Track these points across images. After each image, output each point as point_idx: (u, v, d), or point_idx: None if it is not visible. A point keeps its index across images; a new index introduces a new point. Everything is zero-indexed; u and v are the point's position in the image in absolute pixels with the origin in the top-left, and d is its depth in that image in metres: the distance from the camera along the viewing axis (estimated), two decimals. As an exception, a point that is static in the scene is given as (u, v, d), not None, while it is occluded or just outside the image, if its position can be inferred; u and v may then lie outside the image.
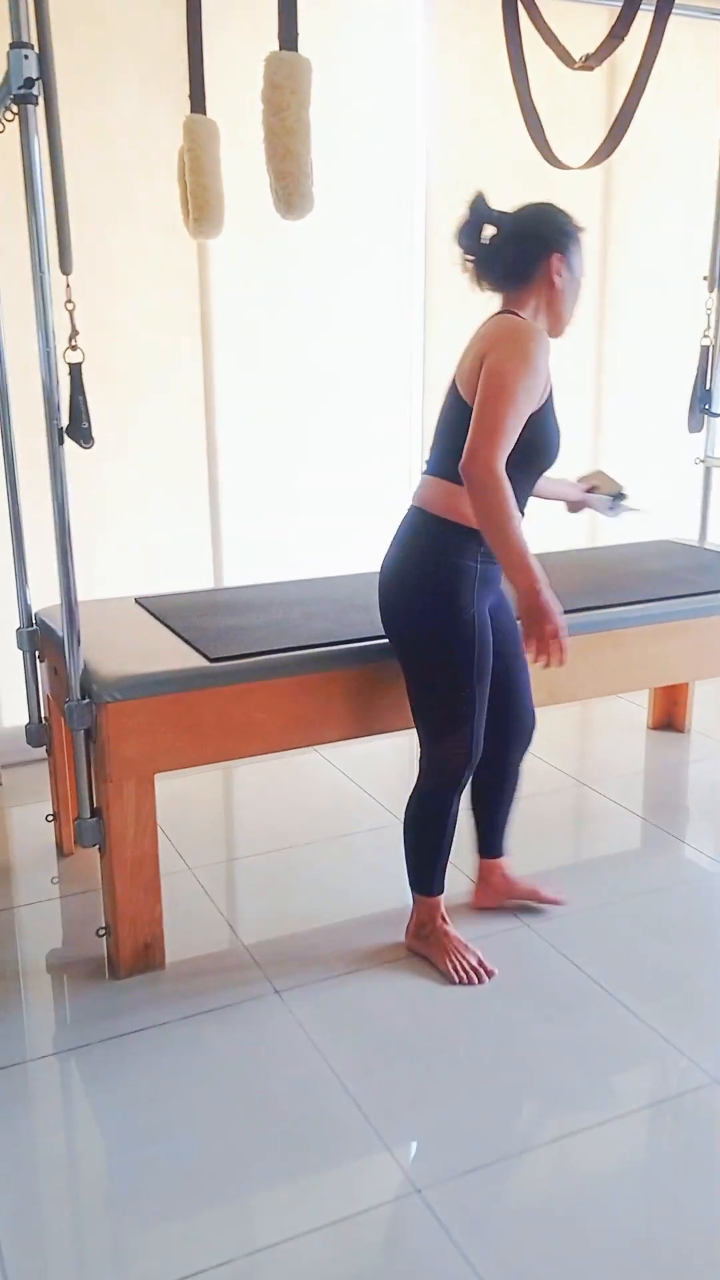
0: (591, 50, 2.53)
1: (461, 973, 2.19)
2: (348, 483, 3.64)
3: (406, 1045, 2.02)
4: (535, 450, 2.01)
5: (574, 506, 2.61)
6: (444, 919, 2.27)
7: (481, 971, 2.20)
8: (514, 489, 1.92)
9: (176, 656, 2.26)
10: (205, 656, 2.23)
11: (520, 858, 2.61)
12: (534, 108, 2.81)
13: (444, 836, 2.20)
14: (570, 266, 2.03)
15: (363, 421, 3.65)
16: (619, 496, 2.65)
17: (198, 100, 2.54)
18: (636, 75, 2.44)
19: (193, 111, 2.54)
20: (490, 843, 2.41)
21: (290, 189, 1.98)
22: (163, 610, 2.61)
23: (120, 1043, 2.02)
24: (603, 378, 4.07)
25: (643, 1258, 1.53)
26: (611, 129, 2.53)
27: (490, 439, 1.88)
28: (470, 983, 2.17)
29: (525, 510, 2.10)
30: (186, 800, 3.09)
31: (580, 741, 3.59)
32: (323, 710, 2.30)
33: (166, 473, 3.42)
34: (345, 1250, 1.55)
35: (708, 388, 3.39)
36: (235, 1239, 1.57)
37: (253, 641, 2.32)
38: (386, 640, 2.20)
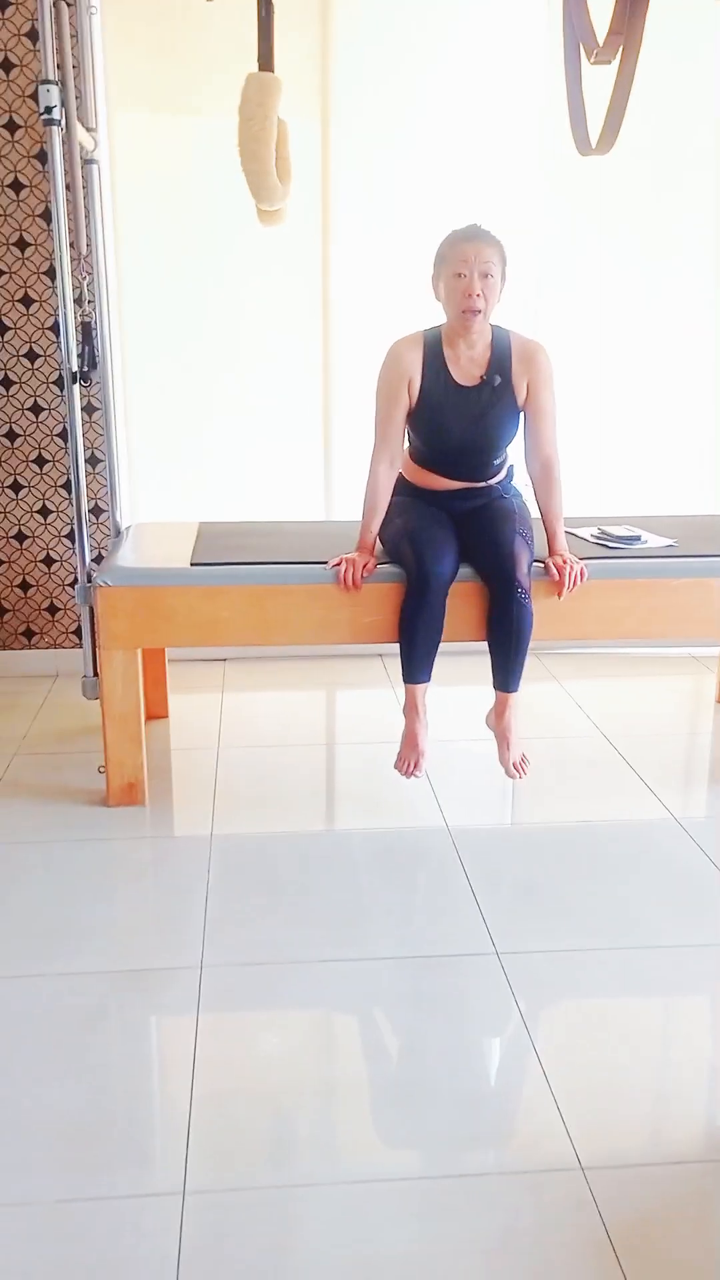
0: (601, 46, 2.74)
1: (400, 764, 2.79)
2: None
3: (270, 886, 2.48)
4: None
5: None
6: (415, 710, 2.75)
7: (409, 768, 2.76)
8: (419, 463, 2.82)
9: (171, 559, 2.82)
10: (190, 561, 2.78)
11: (497, 773, 2.98)
12: (582, 101, 3.06)
13: (409, 637, 2.69)
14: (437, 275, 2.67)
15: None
16: (633, 538, 3.02)
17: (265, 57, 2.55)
18: (621, 66, 2.64)
19: (261, 69, 2.58)
20: (494, 675, 2.76)
21: (254, 183, 2.46)
22: (209, 531, 3.18)
23: (82, 844, 2.66)
24: (673, 359, 4.08)
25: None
26: (606, 119, 2.74)
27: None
28: (403, 774, 2.77)
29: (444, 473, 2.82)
30: (268, 704, 3.69)
31: (634, 703, 3.75)
32: (281, 616, 2.77)
33: (286, 422, 3.99)
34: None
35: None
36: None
37: (231, 555, 2.84)
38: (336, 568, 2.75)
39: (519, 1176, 1.64)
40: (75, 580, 3.92)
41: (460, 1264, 1.48)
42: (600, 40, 2.81)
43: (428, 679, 2.75)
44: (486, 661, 2.77)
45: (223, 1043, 1.93)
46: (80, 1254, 1.49)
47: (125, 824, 2.80)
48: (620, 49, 2.72)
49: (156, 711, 3.52)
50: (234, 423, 3.97)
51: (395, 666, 3.97)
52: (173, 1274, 1.46)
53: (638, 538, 3.05)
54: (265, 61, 2.47)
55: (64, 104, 2.50)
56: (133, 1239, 1.52)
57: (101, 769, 2.93)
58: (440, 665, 2.77)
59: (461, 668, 3.16)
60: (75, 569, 3.89)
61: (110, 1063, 1.89)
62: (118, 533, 3.33)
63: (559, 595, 2.78)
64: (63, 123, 2.52)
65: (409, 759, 2.78)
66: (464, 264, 2.58)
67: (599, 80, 2.90)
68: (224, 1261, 1.48)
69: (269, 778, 3.10)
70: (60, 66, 2.56)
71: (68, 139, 2.59)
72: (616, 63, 2.74)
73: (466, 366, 2.72)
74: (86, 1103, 1.78)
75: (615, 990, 2.10)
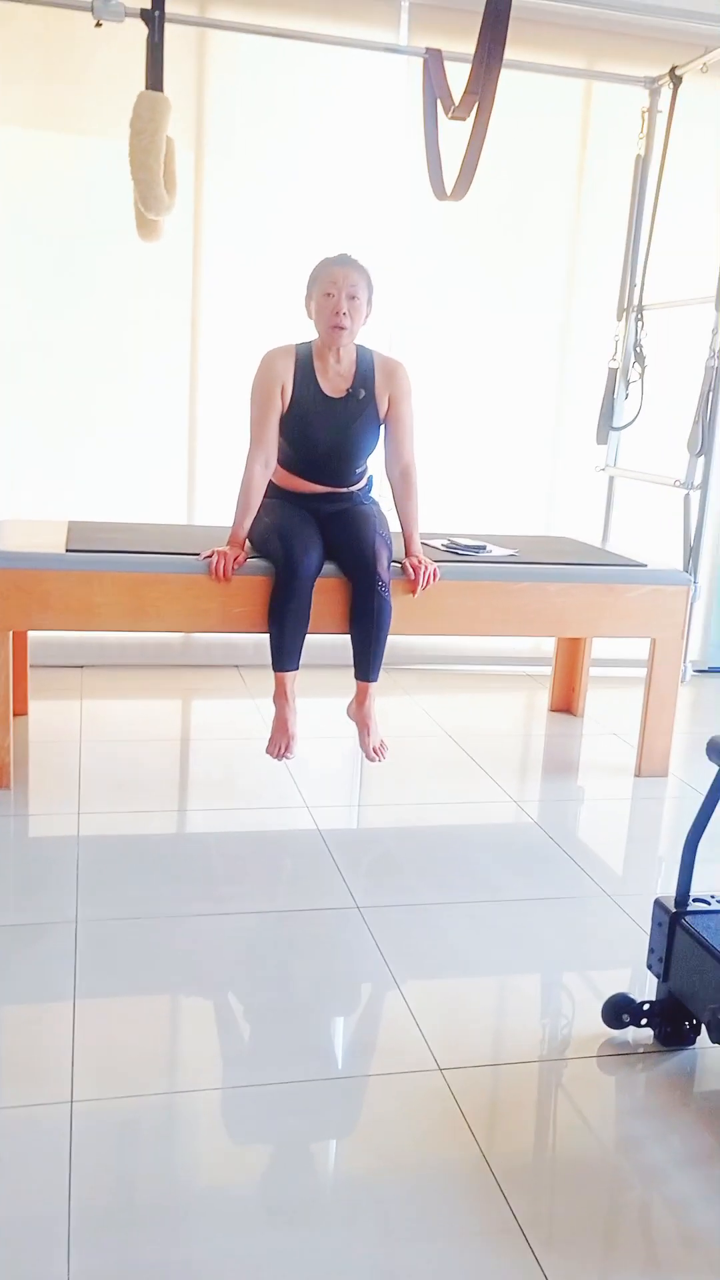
0: (458, 104, 3.07)
1: (271, 748, 2.95)
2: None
3: (139, 857, 2.58)
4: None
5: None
6: (285, 697, 2.93)
7: (280, 750, 2.94)
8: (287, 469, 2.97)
9: (46, 546, 2.91)
10: (65, 548, 2.88)
11: (350, 765, 3.13)
12: (438, 151, 3.38)
13: (278, 626, 2.88)
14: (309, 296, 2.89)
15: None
16: (480, 548, 3.32)
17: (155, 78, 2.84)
18: (475, 122, 2.97)
19: (149, 88, 2.85)
20: (356, 666, 2.96)
21: (143, 192, 2.64)
22: (79, 526, 3.28)
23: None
24: (517, 397, 4.45)
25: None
26: (461, 169, 3.06)
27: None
28: (275, 757, 2.95)
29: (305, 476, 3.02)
30: (128, 708, 3.77)
31: (477, 712, 4.02)
32: (155, 603, 2.90)
33: (152, 431, 4.13)
34: None
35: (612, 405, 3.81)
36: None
37: (105, 545, 2.95)
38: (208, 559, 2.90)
39: (386, 1077, 1.80)
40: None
41: (341, 1147, 1.63)
42: (457, 99, 3.16)
43: (296, 667, 2.93)
44: (332, 676, 2.97)
45: (102, 979, 2.03)
46: (-27, 1155, 1.56)
47: (-12, 805, 2.83)
48: (475, 107, 3.06)
49: (17, 709, 3.54)
50: (99, 430, 4.09)
51: (253, 677, 4.16)
52: (65, 1169, 1.55)
53: (484, 547, 3.33)
54: (155, 82, 2.67)
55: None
56: (26, 1141, 1.59)
57: (-33, 752, 2.96)
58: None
59: (316, 679, 3.35)
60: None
61: (-8, 1000, 1.95)
62: (-16, 528, 3.38)
63: (414, 593, 3.01)
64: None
65: (280, 742, 2.93)
66: (333, 285, 2.82)
67: (457, 133, 3.23)
68: (114, 1157, 1.58)
69: (132, 768, 3.19)
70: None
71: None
72: (471, 119, 3.08)
73: (334, 379, 2.95)
74: (-30, 1033, 1.84)
75: (464, 933, 2.30)
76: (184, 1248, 1.42)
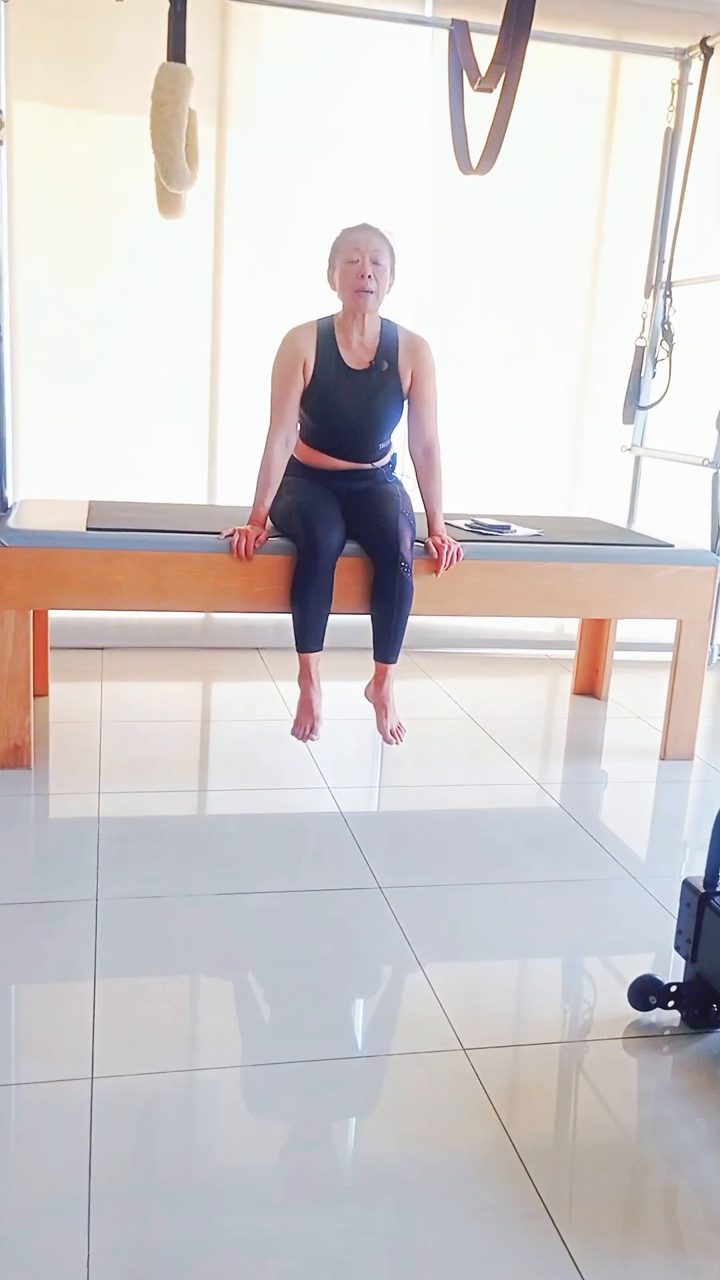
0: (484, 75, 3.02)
1: (296, 729, 2.93)
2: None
3: (158, 836, 2.57)
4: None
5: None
6: (309, 678, 2.90)
7: (305, 731, 2.91)
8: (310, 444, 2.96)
9: (66, 525, 2.90)
10: (86, 527, 2.86)
11: (371, 746, 3.10)
12: (464, 124, 3.33)
13: (300, 605, 2.85)
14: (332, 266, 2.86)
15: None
16: (503, 527, 3.26)
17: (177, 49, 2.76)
18: (501, 94, 2.91)
19: (171, 60, 2.77)
20: (375, 646, 2.93)
21: (164, 165, 2.60)
22: (100, 505, 3.26)
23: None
24: (542, 375, 4.39)
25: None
26: (487, 142, 3.01)
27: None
28: (300, 738, 2.92)
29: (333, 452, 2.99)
30: (148, 691, 3.75)
31: (499, 695, 3.99)
32: (175, 582, 2.88)
33: (173, 410, 4.10)
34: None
35: (639, 384, 3.75)
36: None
37: (126, 524, 2.93)
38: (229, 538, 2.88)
39: (409, 1057, 1.78)
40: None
41: (362, 1126, 1.61)
42: (483, 69, 3.10)
43: (319, 648, 2.90)
44: (351, 658, 2.94)
45: (122, 958, 2.01)
46: (-7, 1129, 1.55)
47: (11, 784, 2.83)
48: (502, 78, 3.00)
49: (37, 690, 3.54)
50: (120, 409, 4.06)
51: (273, 659, 4.13)
52: (85, 1145, 1.53)
53: (507, 527, 3.29)
54: (177, 54, 2.63)
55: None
56: (47, 1117, 1.58)
57: (-13, 730, 2.95)
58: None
59: (334, 660, 3.32)
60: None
61: (13, 975, 1.94)
62: (5, 508, 3.36)
63: (436, 573, 2.98)
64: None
65: (305, 724, 2.91)
66: (357, 251, 2.79)
67: (481, 107, 3.18)
68: (134, 1133, 1.57)
69: (152, 748, 3.17)
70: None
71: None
72: (498, 91, 3.02)
73: (357, 351, 2.91)
74: (-10, 1008, 1.83)
75: (487, 914, 2.27)
76: (203, 1225, 1.41)
